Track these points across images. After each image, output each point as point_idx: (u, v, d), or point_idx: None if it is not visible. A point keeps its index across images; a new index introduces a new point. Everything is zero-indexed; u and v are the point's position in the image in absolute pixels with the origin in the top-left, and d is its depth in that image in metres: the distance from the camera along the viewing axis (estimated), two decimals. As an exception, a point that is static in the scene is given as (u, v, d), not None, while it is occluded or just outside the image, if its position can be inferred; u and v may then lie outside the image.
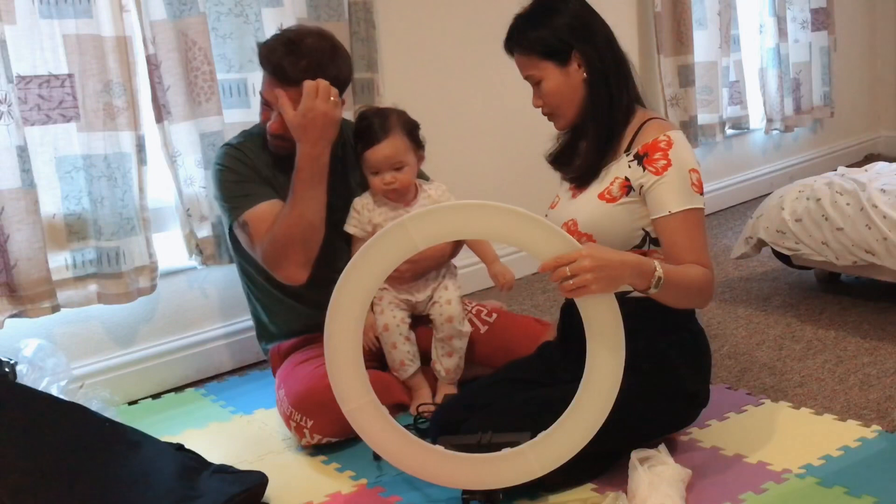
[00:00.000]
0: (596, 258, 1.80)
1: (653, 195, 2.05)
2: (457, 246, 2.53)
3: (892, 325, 2.91)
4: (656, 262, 1.91)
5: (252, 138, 2.57)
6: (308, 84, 2.32)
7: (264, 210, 2.43)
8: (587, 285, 1.80)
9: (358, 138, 2.47)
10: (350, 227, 2.51)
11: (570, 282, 1.80)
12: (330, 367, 1.94)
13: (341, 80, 2.42)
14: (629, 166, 2.08)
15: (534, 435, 1.96)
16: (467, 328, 2.53)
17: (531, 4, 2.17)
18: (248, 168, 2.49)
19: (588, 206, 2.12)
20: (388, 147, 2.42)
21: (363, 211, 2.50)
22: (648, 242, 2.11)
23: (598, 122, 2.13)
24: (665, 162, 2.04)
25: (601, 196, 2.11)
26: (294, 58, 2.35)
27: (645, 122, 2.12)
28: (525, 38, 2.14)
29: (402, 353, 2.49)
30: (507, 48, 2.18)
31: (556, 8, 2.13)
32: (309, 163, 2.36)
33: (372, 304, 2.49)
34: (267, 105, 2.44)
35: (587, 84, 2.12)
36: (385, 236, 1.86)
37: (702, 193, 2.07)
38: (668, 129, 2.09)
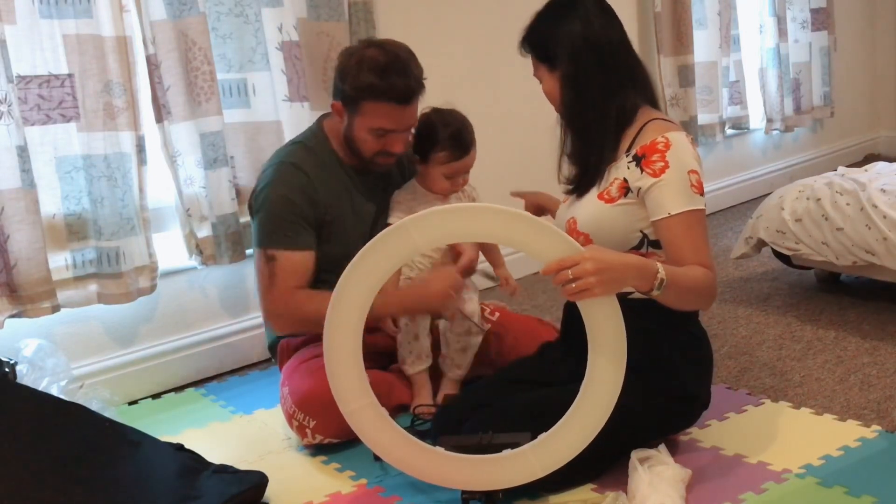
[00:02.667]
0: (598, 261, 1.80)
1: (651, 197, 2.04)
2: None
3: (892, 325, 2.91)
4: (659, 264, 1.91)
5: (310, 151, 2.50)
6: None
7: (298, 259, 2.40)
8: (590, 288, 1.79)
9: (444, 145, 2.44)
10: (394, 219, 2.49)
11: (573, 285, 1.80)
12: (329, 368, 1.94)
13: (423, 75, 2.45)
14: (627, 168, 2.08)
15: (534, 435, 1.95)
16: (483, 326, 2.54)
17: (545, 5, 2.19)
18: (306, 199, 2.43)
19: (588, 206, 2.13)
20: (474, 156, 2.49)
21: (404, 202, 2.52)
22: (647, 244, 2.11)
23: (581, 131, 2.15)
24: (662, 164, 2.03)
25: (600, 196, 2.11)
26: (407, 77, 2.36)
27: (647, 123, 2.11)
28: (525, 40, 2.19)
29: (423, 345, 2.49)
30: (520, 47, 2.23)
31: (562, 13, 2.13)
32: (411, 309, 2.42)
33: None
34: (382, 132, 2.39)
35: (561, 95, 2.14)
36: (386, 237, 1.86)
37: (702, 194, 2.06)
38: (669, 129, 2.08)
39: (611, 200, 2.09)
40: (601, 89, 2.11)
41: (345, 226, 2.49)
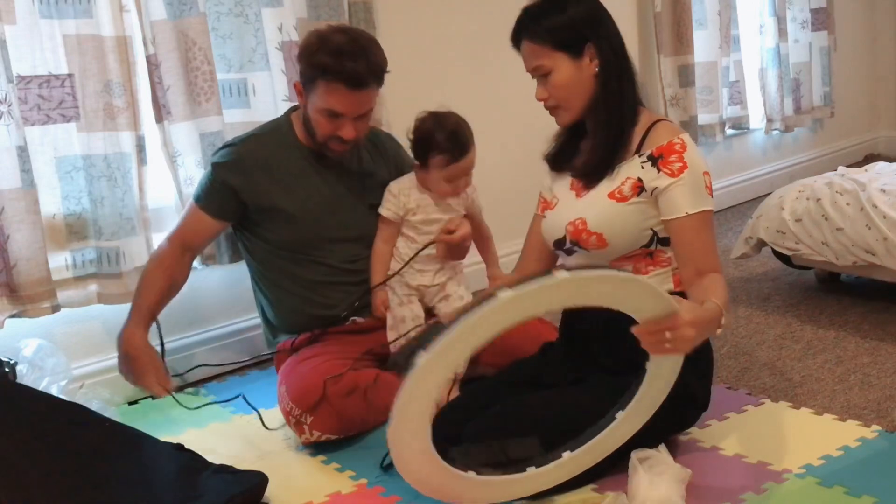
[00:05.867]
0: (697, 325, 1.77)
1: (668, 196, 2.04)
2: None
3: (892, 325, 2.91)
4: (715, 303, 1.89)
5: (265, 134, 2.61)
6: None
7: (199, 218, 2.60)
8: (682, 350, 1.81)
9: (441, 148, 2.43)
10: (384, 210, 2.54)
11: (667, 345, 1.77)
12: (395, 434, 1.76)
13: (384, 68, 2.48)
14: (642, 167, 2.07)
15: (542, 440, 1.95)
16: None
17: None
18: (237, 172, 2.54)
19: (598, 205, 2.11)
20: (473, 157, 2.47)
21: (399, 195, 2.53)
22: (656, 242, 2.11)
23: (610, 117, 2.11)
24: (681, 164, 2.04)
25: (611, 195, 2.09)
26: (359, 62, 2.39)
27: (655, 124, 2.11)
28: (539, 28, 2.10)
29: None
30: (516, 38, 2.14)
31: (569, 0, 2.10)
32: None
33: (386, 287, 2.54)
34: (332, 115, 2.45)
35: (598, 78, 2.10)
36: (484, 310, 1.63)
37: (712, 196, 2.09)
38: (680, 132, 2.10)
39: (623, 199, 2.08)
40: (629, 68, 2.12)
41: (297, 204, 2.56)
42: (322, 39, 2.43)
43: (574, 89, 2.11)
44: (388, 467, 2.17)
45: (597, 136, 2.13)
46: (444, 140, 2.43)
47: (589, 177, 2.15)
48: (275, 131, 2.62)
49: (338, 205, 2.59)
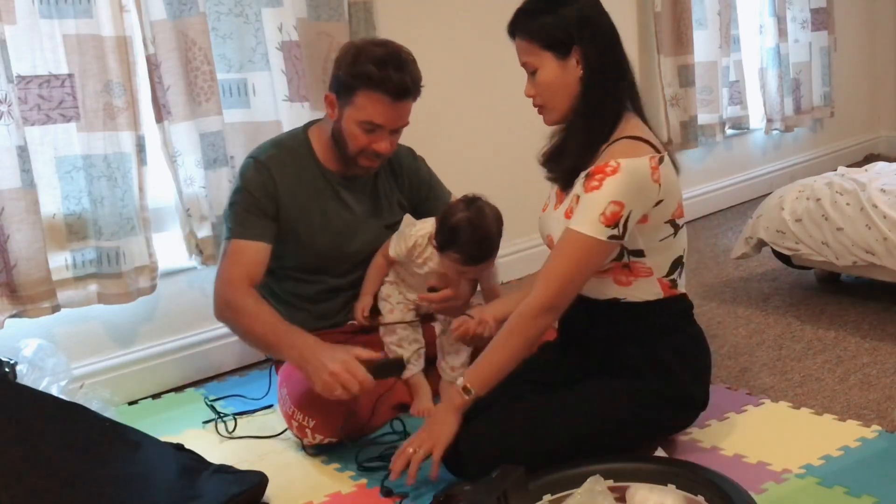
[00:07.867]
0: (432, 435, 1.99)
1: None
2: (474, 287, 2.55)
3: (892, 325, 2.91)
4: (459, 382, 2.03)
5: (285, 151, 2.51)
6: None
7: (247, 248, 2.40)
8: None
9: (461, 250, 2.34)
10: (392, 250, 2.48)
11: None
12: None
13: (421, 83, 2.44)
14: (582, 185, 2.03)
15: (538, 441, 1.95)
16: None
17: None
18: (266, 194, 2.44)
19: (560, 223, 2.08)
20: (491, 264, 2.43)
21: (414, 249, 2.45)
22: (627, 254, 2.07)
23: (585, 125, 2.07)
24: (596, 184, 1.98)
25: (567, 214, 2.07)
26: (403, 73, 2.35)
27: (617, 141, 2.04)
28: (529, 25, 2.08)
29: (408, 352, 2.49)
30: (510, 32, 2.13)
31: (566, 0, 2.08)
32: (299, 364, 2.22)
33: (376, 298, 2.53)
34: (370, 127, 2.38)
35: (582, 83, 2.07)
36: None
37: (610, 226, 1.96)
38: (630, 154, 1.99)
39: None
40: (615, 76, 2.08)
41: (312, 228, 2.49)
42: (360, 49, 2.37)
43: (558, 90, 2.08)
44: (365, 464, 2.20)
45: (571, 141, 2.10)
46: (468, 244, 2.33)
47: (562, 181, 2.14)
48: (294, 151, 2.52)
49: (352, 232, 2.54)
